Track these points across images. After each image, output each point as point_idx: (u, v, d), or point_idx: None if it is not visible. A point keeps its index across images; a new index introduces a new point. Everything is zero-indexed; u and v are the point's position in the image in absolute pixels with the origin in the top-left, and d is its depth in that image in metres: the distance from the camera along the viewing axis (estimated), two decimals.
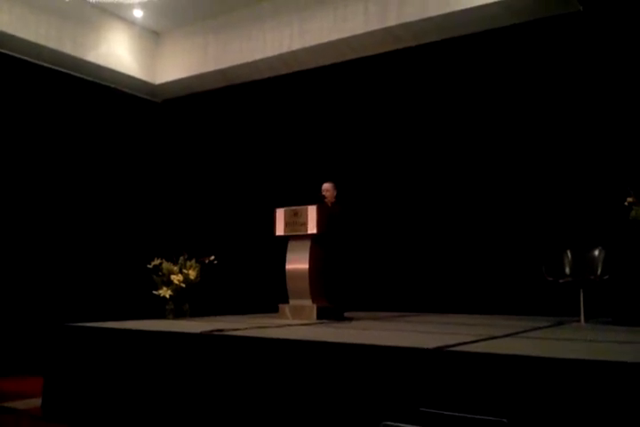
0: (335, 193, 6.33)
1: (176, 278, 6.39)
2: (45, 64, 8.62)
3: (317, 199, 6.16)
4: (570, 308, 5.80)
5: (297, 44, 8.37)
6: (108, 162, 9.41)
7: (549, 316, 6.24)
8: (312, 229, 5.85)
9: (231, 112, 9.67)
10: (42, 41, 8.21)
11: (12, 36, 7.91)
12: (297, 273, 5.93)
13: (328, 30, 8.09)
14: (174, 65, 9.70)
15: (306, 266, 5.88)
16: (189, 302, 6.50)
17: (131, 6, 8.86)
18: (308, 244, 5.94)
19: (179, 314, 6.36)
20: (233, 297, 8.48)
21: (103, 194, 9.27)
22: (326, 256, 6.01)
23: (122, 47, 9.34)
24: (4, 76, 8.17)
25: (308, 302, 5.87)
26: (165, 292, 6.36)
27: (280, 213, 6.10)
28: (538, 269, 5.96)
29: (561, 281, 5.72)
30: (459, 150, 7.65)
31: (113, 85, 9.55)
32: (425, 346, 3.25)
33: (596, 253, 5.84)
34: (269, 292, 7.15)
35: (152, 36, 9.83)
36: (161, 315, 6.42)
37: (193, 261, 6.66)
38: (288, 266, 6.02)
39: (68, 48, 8.53)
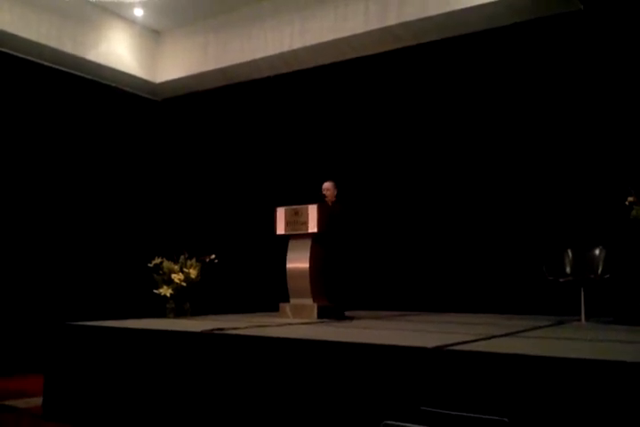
0: (336, 192, 6.33)
1: (177, 277, 6.40)
2: (46, 63, 8.62)
3: (318, 198, 6.16)
4: (570, 307, 5.80)
5: (297, 44, 8.37)
6: (109, 161, 9.41)
7: (550, 315, 6.25)
8: (313, 228, 5.86)
9: (231, 111, 9.67)
10: (42, 40, 8.20)
11: (13, 36, 7.90)
12: (297, 272, 5.93)
13: (328, 29, 8.09)
14: (175, 64, 9.70)
15: (306, 265, 5.88)
16: (190, 300, 6.51)
17: (131, 5, 8.86)
18: (308, 243, 5.95)
19: (179, 313, 6.36)
20: (234, 296, 8.49)
21: (104, 193, 9.28)
22: (327, 255, 6.01)
23: (122, 46, 9.34)
24: (5, 75, 8.17)
25: (308, 301, 5.87)
26: (166, 291, 6.37)
27: (281, 212, 6.10)
28: (539, 269, 5.96)
29: (562, 280, 5.72)
30: (459, 150, 7.65)
31: (113, 84, 9.55)
32: (425, 345, 3.25)
33: (597, 252, 5.83)
34: (270, 291, 7.16)
35: (152, 35, 9.83)
36: (162, 314, 6.42)
37: (194, 259, 6.67)
38: (289, 265, 6.02)
39: (68, 47, 8.53)
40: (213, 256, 6.77)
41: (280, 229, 6.09)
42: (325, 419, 3.35)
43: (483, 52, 7.52)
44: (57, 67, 8.77)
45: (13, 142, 8.21)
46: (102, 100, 9.41)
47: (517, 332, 4.40)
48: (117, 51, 9.25)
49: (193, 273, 6.50)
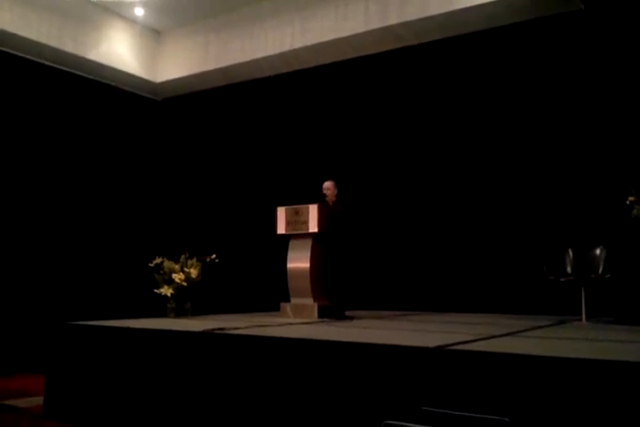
0: (336, 192, 6.33)
1: (177, 277, 6.39)
2: (47, 62, 8.63)
3: (318, 198, 6.16)
4: (571, 307, 5.80)
5: (298, 43, 8.37)
6: (109, 160, 9.42)
7: (551, 315, 6.24)
8: (313, 227, 5.86)
9: (232, 111, 9.67)
10: (43, 39, 8.21)
11: (14, 35, 7.91)
12: (298, 272, 5.93)
13: (329, 29, 8.09)
14: (175, 63, 9.70)
15: (307, 265, 5.88)
16: (191, 300, 6.50)
17: (132, 5, 8.87)
18: (309, 242, 5.95)
19: (180, 313, 6.36)
20: (234, 296, 8.49)
21: (104, 192, 9.28)
22: (327, 255, 6.01)
23: (123, 46, 9.34)
24: (6, 74, 8.17)
25: (309, 301, 5.88)
26: (167, 290, 6.36)
27: (281, 212, 6.10)
28: (539, 268, 5.95)
29: (562, 280, 5.72)
30: (460, 149, 7.65)
31: (114, 84, 9.55)
32: (426, 345, 3.25)
33: (598, 251, 5.82)
34: (271, 290, 7.17)
35: (153, 35, 9.83)
36: (162, 313, 6.42)
37: (194, 259, 6.66)
38: (289, 265, 6.02)
39: (69, 47, 8.53)
40: (214, 256, 6.76)
41: (281, 229, 6.09)
42: (326, 419, 3.35)
43: (483, 51, 7.52)
44: (57, 66, 8.78)
45: (14, 142, 8.22)
46: (103, 99, 9.41)
47: (518, 332, 4.40)
48: (118, 50, 9.25)
49: (194, 273, 6.49)
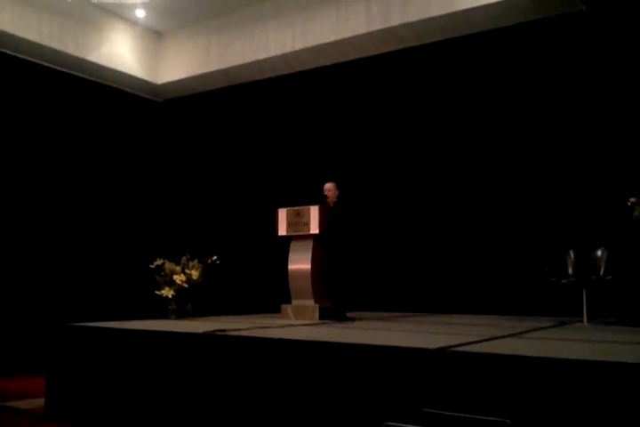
0: (337, 193, 6.32)
1: (178, 279, 6.39)
2: (47, 64, 8.63)
3: (319, 199, 6.16)
4: (573, 308, 5.79)
5: (299, 44, 8.37)
6: (111, 162, 9.42)
7: (552, 316, 6.24)
8: (314, 229, 5.85)
9: (233, 112, 9.67)
10: (44, 41, 8.22)
11: (14, 36, 7.92)
12: (299, 273, 5.93)
13: (330, 30, 8.09)
14: (176, 65, 9.71)
15: (308, 266, 5.88)
16: (192, 302, 6.50)
17: (133, 6, 8.88)
18: (310, 244, 5.94)
19: (181, 314, 6.36)
20: (235, 297, 8.48)
21: (105, 194, 9.28)
22: (328, 256, 6.01)
23: (124, 47, 9.35)
24: (6, 75, 8.18)
25: (310, 303, 5.87)
26: (168, 292, 6.36)
27: (282, 214, 6.10)
28: (541, 270, 5.95)
29: (564, 281, 5.71)
30: (461, 150, 7.65)
31: (115, 85, 9.55)
32: (427, 346, 3.24)
33: (599, 253, 5.82)
34: (272, 292, 7.16)
35: (154, 37, 9.84)
36: (163, 315, 6.42)
37: (195, 261, 6.66)
38: (290, 266, 6.02)
39: (70, 48, 8.54)
40: (215, 257, 6.76)
41: (282, 231, 6.09)
42: (327, 420, 3.35)
43: (485, 52, 7.51)
44: (58, 68, 8.78)
45: (15, 143, 8.22)
46: (104, 101, 9.42)
47: (520, 333, 4.39)
48: (119, 52, 9.26)
49: (195, 274, 6.49)
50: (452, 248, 7.54)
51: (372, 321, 5.98)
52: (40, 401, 5.13)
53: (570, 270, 5.94)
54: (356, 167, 8.23)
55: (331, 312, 5.87)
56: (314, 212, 5.88)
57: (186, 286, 6.40)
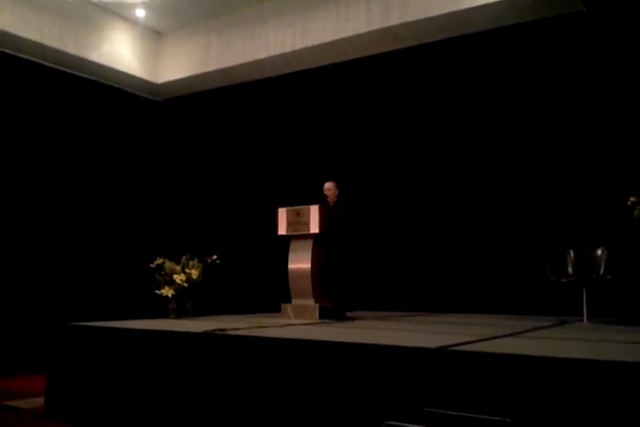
0: (337, 192, 6.33)
1: (178, 278, 6.40)
2: (48, 64, 8.63)
3: (319, 199, 6.16)
4: (573, 307, 5.79)
5: (299, 44, 8.37)
6: (110, 161, 9.42)
7: (552, 315, 6.24)
8: (314, 228, 5.85)
9: (233, 112, 9.67)
10: (45, 41, 8.21)
11: (15, 36, 7.92)
12: (299, 273, 5.93)
13: (330, 30, 8.09)
14: (176, 64, 9.71)
15: (308, 265, 5.88)
16: (192, 301, 6.51)
17: (133, 6, 8.88)
18: (310, 243, 5.94)
19: (181, 313, 6.36)
20: (235, 297, 8.49)
21: (105, 193, 9.28)
22: (328, 256, 6.01)
23: (124, 47, 9.35)
24: (7, 75, 8.18)
25: (310, 302, 5.87)
26: (168, 291, 6.37)
27: (282, 213, 6.10)
28: (541, 269, 5.95)
29: (564, 281, 5.71)
30: (461, 150, 7.65)
31: (115, 85, 9.55)
32: (427, 346, 3.25)
33: (599, 252, 5.82)
34: (271, 291, 7.16)
35: (154, 36, 9.84)
36: (163, 314, 6.42)
37: (195, 260, 6.67)
38: (290, 265, 6.02)
39: (70, 48, 8.54)
40: (215, 257, 6.77)
41: (282, 230, 6.09)
42: (327, 419, 3.35)
43: (485, 52, 7.52)
44: (59, 67, 8.78)
45: (15, 143, 8.23)
46: (104, 100, 9.42)
47: (520, 332, 4.39)
48: (119, 51, 9.26)
49: (195, 274, 6.50)
50: (452, 247, 7.55)
51: (371, 320, 5.98)
52: (40, 401, 5.13)
53: (570, 270, 5.94)
54: (355, 167, 8.24)
55: (330, 312, 5.88)
56: (314, 211, 5.88)
57: (186, 285, 6.41)
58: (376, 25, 7.71)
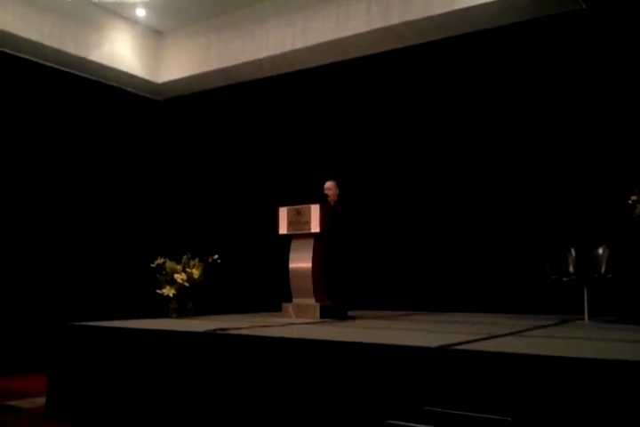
0: (338, 191, 6.33)
1: (179, 277, 6.40)
2: (48, 64, 8.63)
3: (320, 198, 6.16)
4: (574, 306, 5.78)
5: (299, 43, 8.37)
6: (111, 161, 9.43)
7: (553, 314, 6.24)
8: (315, 227, 5.85)
9: (234, 111, 9.67)
10: (45, 41, 8.22)
11: (16, 36, 7.92)
12: (300, 272, 5.93)
13: (331, 29, 8.08)
14: (177, 64, 9.71)
15: (309, 265, 5.88)
16: (193, 300, 6.51)
17: (133, 6, 8.88)
18: (311, 242, 5.94)
19: (182, 313, 6.37)
20: (236, 296, 8.49)
21: (106, 193, 9.29)
22: (329, 255, 6.01)
23: (124, 46, 9.35)
24: (7, 75, 8.18)
25: (311, 301, 5.87)
26: (169, 291, 6.37)
27: (283, 212, 6.10)
28: (542, 268, 5.95)
29: (565, 279, 5.71)
30: (461, 149, 7.64)
31: (116, 84, 9.55)
32: (428, 345, 3.25)
33: (600, 251, 5.82)
34: (272, 291, 7.16)
35: (155, 36, 9.84)
36: (164, 314, 6.43)
37: (196, 260, 6.67)
38: (291, 265, 6.02)
39: (70, 48, 8.54)
40: (216, 256, 6.77)
41: (282, 229, 6.09)
42: (329, 418, 3.35)
43: (486, 51, 7.51)
44: (59, 67, 8.78)
45: (16, 143, 8.23)
46: (104, 100, 9.42)
47: (520, 331, 4.39)
48: (120, 51, 9.26)
49: (195, 273, 6.50)
50: (453, 247, 7.54)
51: (372, 320, 5.98)
52: (41, 400, 5.14)
53: (571, 268, 5.94)
54: (356, 166, 8.23)
55: (332, 311, 5.88)
56: (314, 210, 5.87)
57: (187, 284, 6.41)
58: (376, 24, 7.70)
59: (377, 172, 8.21)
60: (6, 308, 7.68)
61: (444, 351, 3.14)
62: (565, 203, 6.77)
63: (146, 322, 5.42)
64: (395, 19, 7.56)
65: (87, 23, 8.76)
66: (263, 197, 8.70)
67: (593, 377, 2.67)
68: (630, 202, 5.29)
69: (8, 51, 8.16)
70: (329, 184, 6.33)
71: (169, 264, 6.54)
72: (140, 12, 9.06)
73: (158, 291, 6.44)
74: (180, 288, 6.40)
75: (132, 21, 9.36)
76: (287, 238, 6.12)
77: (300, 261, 5.95)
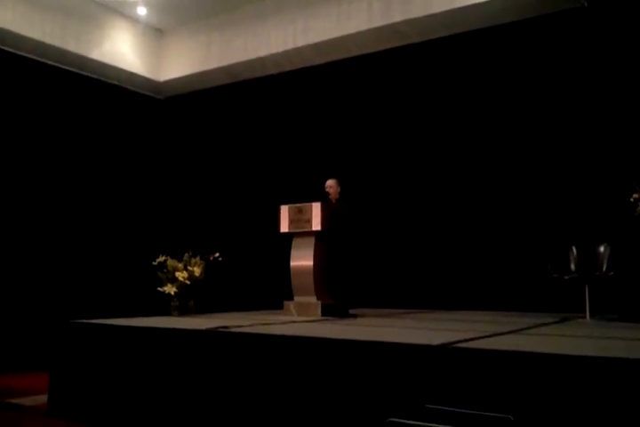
0: (339, 189, 6.33)
1: (181, 275, 6.40)
2: (49, 62, 8.63)
3: (321, 196, 6.16)
4: (575, 304, 5.79)
5: (301, 42, 8.36)
6: (113, 159, 9.43)
7: (554, 312, 6.23)
8: (316, 225, 5.85)
9: (235, 109, 9.67)
10: (46, 39, 8.21)
11: (17, 34, 7.92)
12: (301, 270, 5.93)
13: (332, 27, 8.07)
14: (178, 62, 9.71)
15: (310, 263, 5.88)
16: (194, 298, 6.51)
17: (134, 4, 8.88)
18: (312, 240, 5.94)
19: (183, 311, 6.37)
20: (238, 294, 8.49)
21: (108, 191, 9.29)
22: (331, 253, 6.01)
23: (126, 45, 9.34)
24: (8, 74, 8.18)
25: (312, 299, 5.87)
26: (170, 289, 6.37)
27: (284, 210, 6.10)
28: (543, 266, 5.94)
29: (566, 277, 5.71)
30: (463, 146, 7.64)
31: (117, 83, 9.55)
32: (430, 343, 3.25)
33: (602, 249, 5.81)
34: (274, 289, 7.17)
35: (156, 34, 9.83)
36: (166, 312, 6.43)
37: (198, 258, 6.67)
38: (293, 263, 6.02)
39: (71, 46, 8.54)
40: (217, 254, 6.77)
41: (284, 227, 6.09)
42: (330, 416, 3.35)
43: (487, 49, 7.50)
44: (60, 66, 8.78)
45: (17, 141, 8.23)
46: (106, 98, 9.42)
47: (522, 329, 4.39)
48: (121, 49, 9.26)
49: (197, 271, 6.50)
50: (455, 245, 7.54)
51: (374, 318, 5.99)
52: (43, 398, 5.14)
53: (572, 266, 5.94)
54: (357, 164, 8.23)
55: (333, 309, 5.88)
56: (316, 208, 5.87)
57: (188, 282, 6.41)
58: (377, 22, 7.69)
59: (378, 170, 8.21)
60: (8, 305, 7.69)
61: (445, 349, 3.14)
62: (567, 201, 6.76)
63: (147, 320, 5.43)
64: (396, 17, 7.55)
65: (88, 21, 8.76)
66: (264, 195, 8.70)
67: (594, 375, 2.68)
68: (632, 200, 5.28)
69: (9, 49, 8.15)
70: (330, 182, 6.33)
71: (170, 262, 6.54)
72: (141, 11, 9.05)
73: (160, 289, 6.44)
74: (181, 286, 6.40)
75: (133, 20, 9.35)
76: (288, 236, 6.12)
77: (302, 259, 5.95)
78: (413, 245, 7.83)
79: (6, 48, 8.12)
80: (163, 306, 6.48)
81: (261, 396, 3.70)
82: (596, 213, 6.43)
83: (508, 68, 7.35)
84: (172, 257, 6.63)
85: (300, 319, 5.48)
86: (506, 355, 2.94)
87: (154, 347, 4.44)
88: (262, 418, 3.67)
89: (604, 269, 5.66)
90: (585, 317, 5.53)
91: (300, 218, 5.96)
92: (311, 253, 5.90)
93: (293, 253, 6.05)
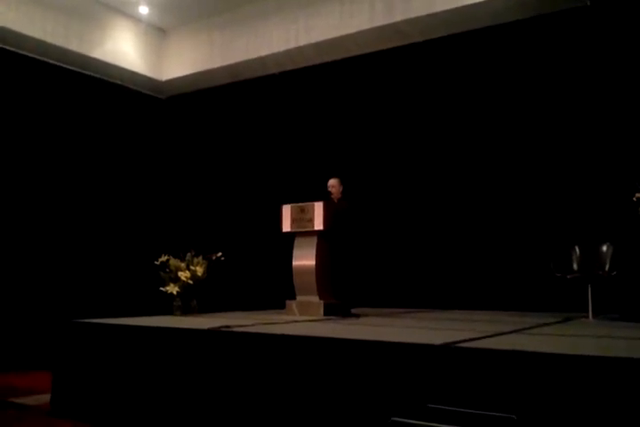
0: (341, 189, 6.33)
1: (183, 275, 6.40)
2: (51, 61, 8.64)
3: (324, 195, 6.16)
4: (578, 304, 5.78)
5: (303, 41, 8.36)
6: (115, 158, 9.44)
7: (557, 312, 6.22)
8: (318, 225, 5.85)
9: (237, 108, 9.67)
10: (48, 38, 8.22)
11: (18, 34, 7.92)
12: (304, 269, 5.93)
13: (334, 26, 8.07)
14: (180, 62, 9.71)
15: (312, 262, 5.88)
16: (197, 298, 6.52)
17: (136, 3, 8.88)
18: (314, 240, 5.95)
19: (186, 310, 6.37)
20: (240, 293, 8.50)
21: (110, 190, 9.30)
22: (333, 252, 6.01)
23: (128, 44, 9.35)
24: (10, 73, 8.19)
25: (314, 299, 5.87)
26: (173, 288, 6.37)
27: (287, 210, 6.10)
28: (546, 265, 5.94)
29: (569, 277, 5.70)
30: (465, 146, 7.63)
31: (119, 82, 9.55)
32: (432, 342, 3.25)
33: (605, 248, 5.80)
34: (276, 288, 7.17)
35: (158, 33, 9.83)
36: (168, 311, 6.43)
37: (200, 257, 6.67)
38: (295, 262, 6.02)
39: (74, 45, 8.55)
40: (220, 254, 6.77)
41: (286, 227, 6.09)
42: (333, 416, 3.35)
43: (489, 48, 7.49)
44: (62, 65, 8.79)
45: (19, 140, 8.24)
46: (108, 97, 9.42)
47: (524, 329, 4.39)
48: (123, 49, 9.26)
49: (199, 271, 6.50)
50: (457, 244, 7.53)
51: (376, 317, 5.98)
52: (46, 397, 5.16)
53: (575, 266, 5.93)
54: (359, 163, 8.22)
55: (335, 308, 5.88)
56: (318, 208, 5.88)
57: (191, 282, 6.41)
58: (379, 21, 7.69)
59: (380, 169, 8.20)
60: (11, 305, 7.70)
61: (448, 349, 3.14)
62: (569, 200, 6.75)
63: (150, 319, 5.43)
64: (398, 16, 7.54)
65: (90, 21, 8.77)
66: (267, 195, 8.70)
67: (597, 375, 2.67)
68: (635, 199, 5.27)
69: (10, 48, 8.15)
70: (332, 182, 6.33)
71: (173, 262, 6.55)
72: (144, 10, 9.05)
73: (162, 288, 6.45)
74: (183, 286, 6.40)
75: (136, 19, 9.35)
76: (291, 236, 6.13)
77: (304, 259, 5.95)
78: (415, 245, 7.82)
79: (8, 47, 8.13)
80: (165, 306, 6.49)
81: (264, 395, 3.71)
82: (598, 212, 6.42)
83: (511, 67, 7.34)
84: (175, 257, 6.63)
85: (302, 319, 5.48)
86: (508, 355, 2.94)
87: (156, 347, 4.45)
88: (265, 417, 3.67)
89: (607, 268, 5.65)
90: (588, 316, 5.53)
91: (302, 217, 5.96)
92: (313, 252, 5.91)
93: (296, 252, 6.05)
